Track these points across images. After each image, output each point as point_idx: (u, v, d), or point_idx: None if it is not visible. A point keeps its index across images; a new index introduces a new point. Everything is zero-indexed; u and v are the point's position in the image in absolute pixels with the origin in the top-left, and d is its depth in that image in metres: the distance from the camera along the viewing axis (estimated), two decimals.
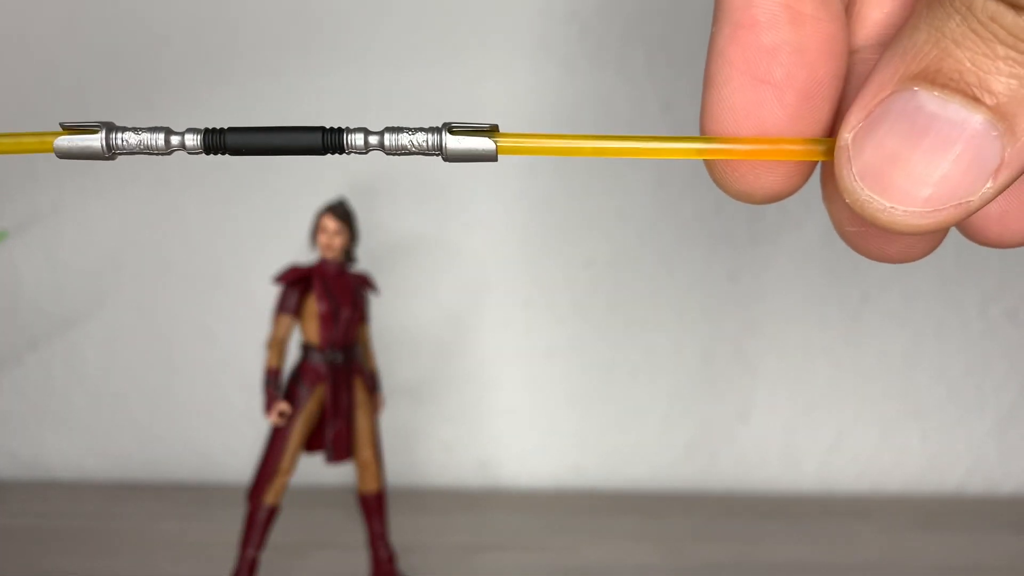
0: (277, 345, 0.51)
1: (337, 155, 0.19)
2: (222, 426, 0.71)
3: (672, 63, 0.67)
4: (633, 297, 0.70)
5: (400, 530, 0.59)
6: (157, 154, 0.19)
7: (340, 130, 0.19)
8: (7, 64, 0.67)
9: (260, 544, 0.51)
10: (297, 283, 0.52)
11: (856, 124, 0.17)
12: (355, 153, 0.19)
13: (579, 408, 0.72)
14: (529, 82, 0.67)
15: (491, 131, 0.19)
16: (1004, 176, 0.16)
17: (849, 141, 0.17)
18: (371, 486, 0.53)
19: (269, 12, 0.66)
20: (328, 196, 0.56)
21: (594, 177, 0.68)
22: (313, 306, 0.51)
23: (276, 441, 0.51)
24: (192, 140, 0.19)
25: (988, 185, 0.16)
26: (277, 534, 0.54)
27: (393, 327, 0.68)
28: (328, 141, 0.19)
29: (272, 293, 0.53)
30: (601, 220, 0.69)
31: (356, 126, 0.19)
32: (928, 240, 0.21)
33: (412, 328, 0.70)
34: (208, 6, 0.66)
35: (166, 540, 0.61)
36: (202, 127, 0.19)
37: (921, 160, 0.16)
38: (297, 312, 0.52)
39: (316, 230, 0.52)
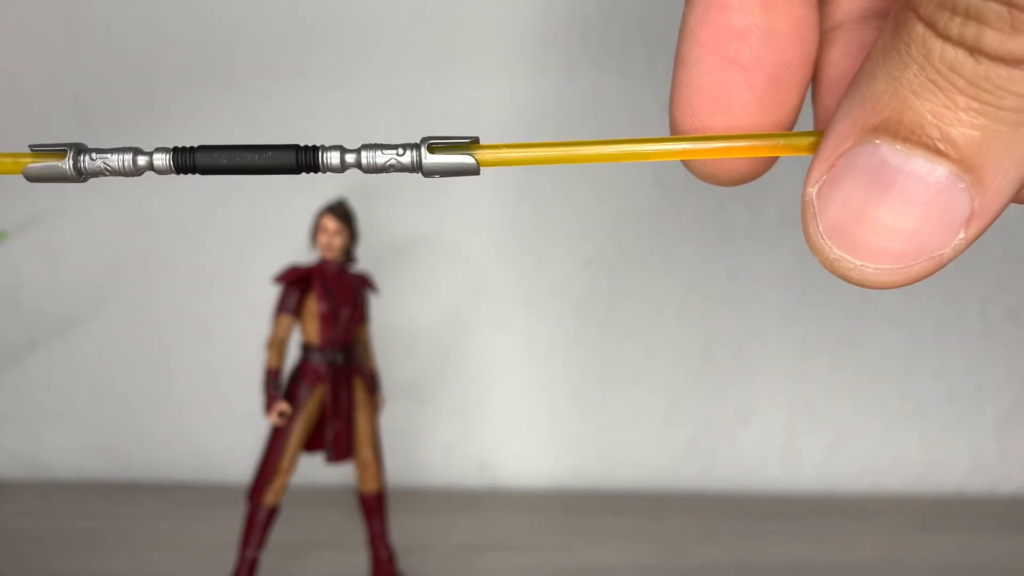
0: (277, 345, 0.51)
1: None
2: (222, 426, 0.71)
3: (672, 63, 0.67)
4: (633, 297, 0.70)
5: (400, 530, 0.59)
6: (127, 175, 0.18)
7: (315, 148, 0.18)
8: (6, 66, 0.67)
9: (260, 544, 0.51)
10: (297, 283, 0.52)
11: (819, 178, 0.17)
12: (331, 172, 0.19)
13: (579, 408, 0.72)
14: (530, 83, 0.67)
15: (471, 144, 0.18)
16: (976, 226, 0.16)
17: (814, 196, 0.17)
18: (371, 486, 0.53)
19: (268, 16, 0.66)
20: (328, 196, 0.56)
21: (594, 177, 0.68)
22: (313, 306, 0.52)
23: (276, 441, 0.51)
24: (161, 160, 0.18)
25: (960, 236, 0.16)
26: (277, 534, 0.54)
27: (393, 327, 0.68)
28: (303, 160, 0.18)
29: (272, 293, 0.53)
30: (601, 220, 0.69)
31: (332, 143, 0.19)
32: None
33: (412, 328, 0.70)
34: (207, 10, 0.66)
35: (166, 540, 0.61)
36: (175, 142, 0.19)
37: (888, 216, 0.16)
38: (297, 312, 0.52)
39: (316, 230, 0.52)
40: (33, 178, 0.18)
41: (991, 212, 0.16)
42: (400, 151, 0.18)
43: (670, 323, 0.70)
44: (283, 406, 0.51)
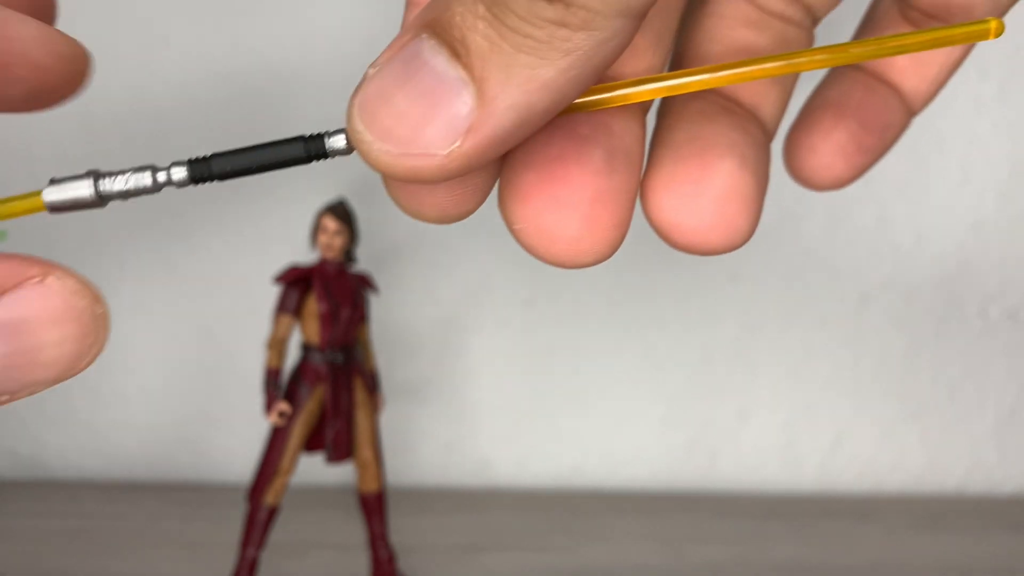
0: (277, 345, 0.51)
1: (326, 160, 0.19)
2: (222, 426, 0.71)
3: None
4: (633, 297, 0.70)
5: (400, 530, 0.59)
6: (147, 194, 0.19)
7: (320, 136, 0.19)
8: None
9: (260, 544, 0.51)
10: (297, 283, 0.52)
11: (380, 61, 0.17)
12: (339, 155, 0.19)
13: (579, 408, 0.72)
14: None
15: None
16: (472, 140, 0.16)
17: (369, 74, 0.17)
18: (371, 486, 0.53)
19: (273, 33, 0.66)
20: (328, 196, 0.56)
21: None
22: (313, 306, 0.52)
23: (276, 441, 0.51)
24: (179, 173, 0.19)
25: (457, 144, 0.16)
26: (277, 534, 0.54)
27: (393, 327, 0.68)
28: (311, 149, 0.19)
29: (272, 293, 0.53)
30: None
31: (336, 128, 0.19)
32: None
33: (412, 328, 0.70)
34: (211, 10, 0.66)
35: (166, 540, 0.61)
36: (179, 155, 0.19)
37: (403, 101, 0.16)
38: (297, 312, 0.52)
39: (316, 230, 0.52)
40: (56, 210, 0.19)
41: (487, 131, 0.16)
42: None
43: (670, 323, 0.70)
44: (283, 406, 0.51)
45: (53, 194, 0.19)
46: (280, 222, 0.68)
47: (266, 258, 0.63)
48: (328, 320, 0.51)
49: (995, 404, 0.72)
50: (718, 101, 0.22)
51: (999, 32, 0.18)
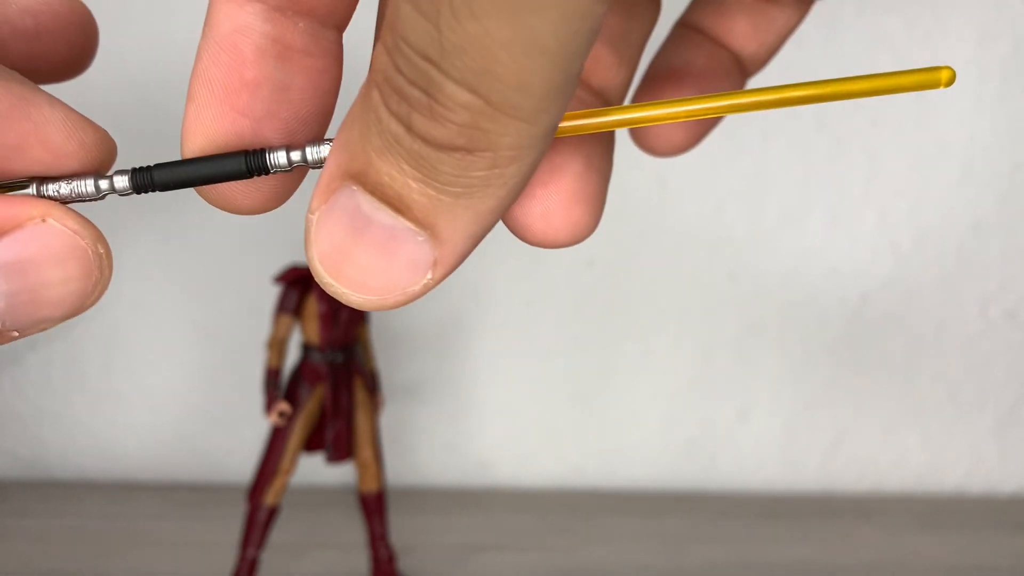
0: (277, 345, 0.51)
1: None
2: (222, 426, 0.71)
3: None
4: (633, 297, 0.70)
5: (400, 530, 0.59)
6: (90, 200, 0.18)
7: (262, 152, 0.19)
8: None
9: (260, 544, 0.51)
10: (297, 283, 0.52)
11: (316, 207, 0.18)
12: (280, 172, 0.19)
13: (579, 408, 0.72)
14: None
15: None
16: (440, 270, 0.18)
17: (313, 223, 0.18)
18: (371, 486, 0.53)
19: None
20: None
21: None
22: (313, 306, 0.52)
23: (276, 441, 0.51)
24: (121, 182, 0.19)
25: (428, 277, 0.18)
26: (277, 534, 0.54)
27: (393, 327, 0.68)
28: (252, 164, 0.19)
29: (272, 293, 0.53)
30: (601, 220, 0.69)
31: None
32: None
33: (412, 328, 0.70)
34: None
35: (166, 540, 0.61)
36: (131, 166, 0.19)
37: (363, 256, 0.17)
38: (297, 312, 0.52)
39: None
40: None
41: (451, 261, 0.18)
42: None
43: (670, 323, 0.70)
44: (283, 406, 0.51)
45: None
46: (280, 222, 0.67)
47: (266, 258, 0.63)
48: (328, 320, 0.51)
49: (995, 404, 0.72)
50: None
51: (950, 81, 0.17)
